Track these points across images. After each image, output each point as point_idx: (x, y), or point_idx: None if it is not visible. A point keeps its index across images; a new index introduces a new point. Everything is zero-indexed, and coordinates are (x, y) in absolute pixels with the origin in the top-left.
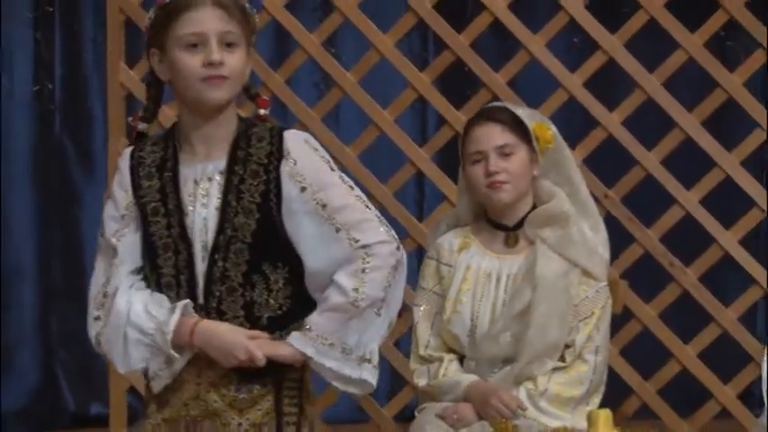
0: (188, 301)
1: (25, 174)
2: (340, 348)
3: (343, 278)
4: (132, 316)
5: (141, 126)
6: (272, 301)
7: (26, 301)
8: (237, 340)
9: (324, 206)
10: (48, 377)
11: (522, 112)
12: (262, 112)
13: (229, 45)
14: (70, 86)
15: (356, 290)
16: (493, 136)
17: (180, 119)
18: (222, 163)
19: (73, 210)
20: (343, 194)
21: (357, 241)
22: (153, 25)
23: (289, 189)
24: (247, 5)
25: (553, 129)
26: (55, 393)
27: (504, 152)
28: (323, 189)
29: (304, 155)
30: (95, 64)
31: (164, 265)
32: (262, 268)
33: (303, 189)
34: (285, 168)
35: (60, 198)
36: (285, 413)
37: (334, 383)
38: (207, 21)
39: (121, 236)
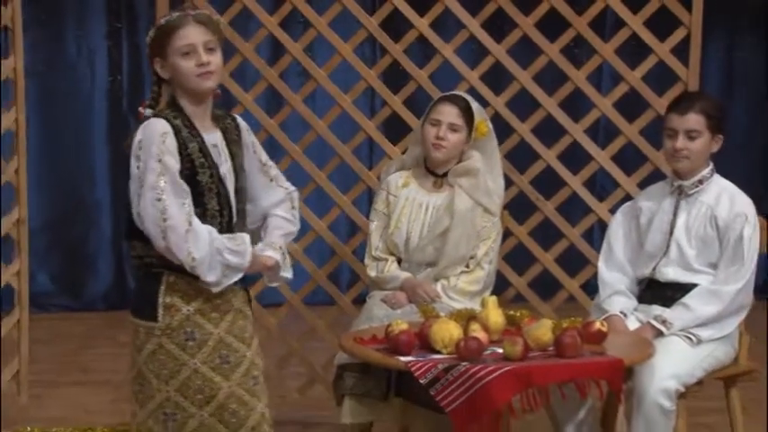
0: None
1: (103, 138)
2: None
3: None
4: (218, 245)
5: (148, 111)
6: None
7: (103, 225)
8: (258, 261)
9: (263, 163)
10: (118, 276)
11: (476, 107)
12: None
13: (211, 49)
14: (133, 79)
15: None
16: (451, 114)
17: (179, 103)
18: (218, 134)
19: None
20: (266, 156)
21: (286, 188)
22: (154, 41)
23: (250, 153)
24: (216, 18)
25: (489, 126)
26: (123, 286)
27: (452, 128)
28: (261, 152)
29: (248, 130)
30: (150, 63)
31: (209, 203)
32: (247, 205)
33: (254, 152)
34: (246, 139)
35: (126, 155)
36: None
37: (274, 281)
38: (194, 35)
39: (183, 181)
